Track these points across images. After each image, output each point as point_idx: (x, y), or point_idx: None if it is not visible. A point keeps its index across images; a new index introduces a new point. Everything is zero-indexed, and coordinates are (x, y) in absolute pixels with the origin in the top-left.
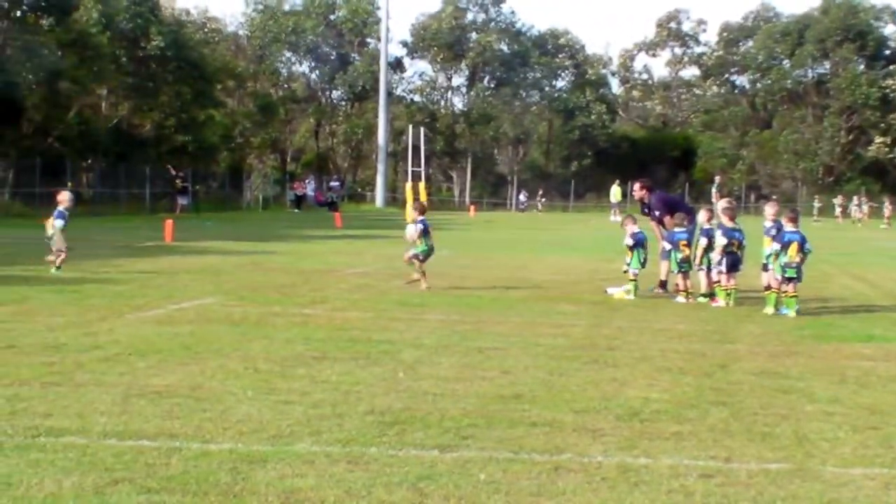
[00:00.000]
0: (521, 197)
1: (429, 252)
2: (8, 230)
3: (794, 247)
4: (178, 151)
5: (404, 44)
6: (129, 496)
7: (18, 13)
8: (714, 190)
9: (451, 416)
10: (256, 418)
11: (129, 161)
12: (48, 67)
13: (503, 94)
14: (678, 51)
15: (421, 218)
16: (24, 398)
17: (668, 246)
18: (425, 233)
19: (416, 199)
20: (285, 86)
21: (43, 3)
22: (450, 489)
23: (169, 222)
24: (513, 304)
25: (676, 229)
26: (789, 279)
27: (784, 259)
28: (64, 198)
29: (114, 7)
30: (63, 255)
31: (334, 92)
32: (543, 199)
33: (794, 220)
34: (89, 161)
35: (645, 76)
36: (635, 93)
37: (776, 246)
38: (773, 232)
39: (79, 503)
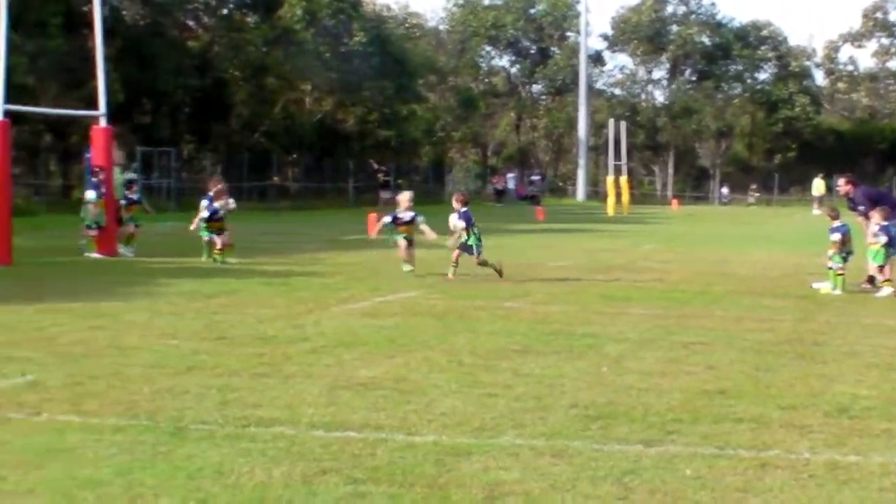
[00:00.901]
0: (724, 190)
1: (479, 243)
2: None
3: None
4: (381, 146)
5: (604, 37)
6: (337, 486)
7: (225, 11)
8: None
9: (656, 411)
10: (460, 411)
11: (333, 155)
12: (254, 64)
13: (705, 87)
14: (885, 41)
15: (464, 209)
16: (235, 388)
17: (883, 238)
18: (469, 223)
19: (461, 192)
20: (486, 80)
21: (249, 1)
22: (655, 484)
23: (372, 216)
24: (717, 299)
25: (884, 222)
26: None
27: None
28: (404, 198)
29: (317, 3)
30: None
31: (534, 86)
32: (757, 194)
33: None
34: (294, 156)
35: (850, 67)
36: (840, 85)
37: None
38: None
39: (288, 492)
